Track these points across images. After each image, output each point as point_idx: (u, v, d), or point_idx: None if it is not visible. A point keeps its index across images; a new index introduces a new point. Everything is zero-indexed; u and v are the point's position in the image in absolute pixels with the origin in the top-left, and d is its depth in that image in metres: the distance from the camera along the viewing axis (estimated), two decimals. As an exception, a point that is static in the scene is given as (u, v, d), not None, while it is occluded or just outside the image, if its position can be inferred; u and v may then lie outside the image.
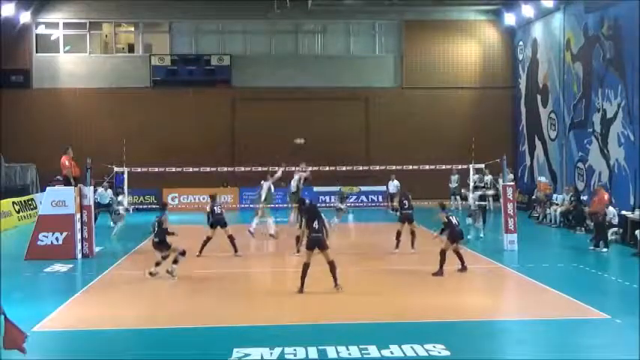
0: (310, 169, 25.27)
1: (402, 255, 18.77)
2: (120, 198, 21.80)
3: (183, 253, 14.36)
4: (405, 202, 18.08)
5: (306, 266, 13.16)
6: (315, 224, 13.20)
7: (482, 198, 25.09)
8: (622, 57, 22.76)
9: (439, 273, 14.90)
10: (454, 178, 29.83)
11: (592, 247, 18.71)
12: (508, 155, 23.47)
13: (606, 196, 18.95)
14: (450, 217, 15.48)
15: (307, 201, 15.47)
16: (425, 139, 32.05)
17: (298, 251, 16.39)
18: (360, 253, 18.67)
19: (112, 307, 12.55)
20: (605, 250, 18.43)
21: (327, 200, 31.36)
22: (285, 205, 23.55)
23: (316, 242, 13.15)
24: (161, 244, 14.55)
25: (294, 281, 13.34)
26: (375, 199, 30.42)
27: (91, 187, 18.94)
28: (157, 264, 14.70)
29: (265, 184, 20.41)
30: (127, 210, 21.50)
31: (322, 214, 13.63)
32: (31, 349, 9.91)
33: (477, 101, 33.22)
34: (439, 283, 14.54)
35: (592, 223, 20.05)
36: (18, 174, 29.83)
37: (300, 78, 32.64)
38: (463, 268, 15.21)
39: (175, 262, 14.26)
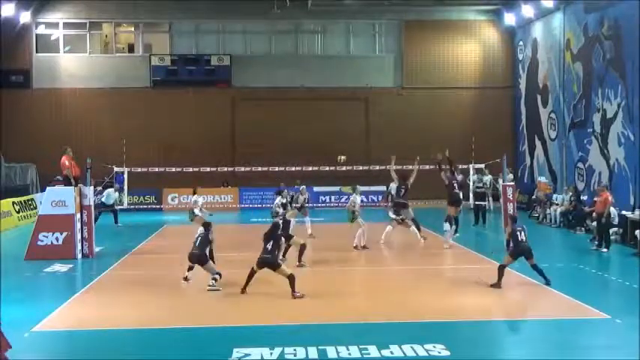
0: (310, 169, 25.35)
1: (402, 256, 18.79)
2: (195, 197, 21.02)
3: (219, 275, 13.95)
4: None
5: (251, 272, 13.25)
6: (269, 245, 13.17)
7: (482, 198, 25.17)
8: (622, 57, 22.75)
9: (497, 285, 13.87)
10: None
11: (595, 247, 18.72)
12: (508, 155, 23.46)
13: (610, 197, 18.95)
14: (518, 232, 14.10)
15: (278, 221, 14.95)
16: (425, 139, 32.00)
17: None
18: (360, 253, 18.67)
19: (112, 307, 12.53)
20: (605, 250, 18.44)
21: (327, 200, 31.49)
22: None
23: (265, 262, 13.15)
24: (198, 257, 14.13)
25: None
26: (375, 199, 30.37)
27: (91, 187, 18.93)
28: (217, 276, 14.14)
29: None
30: (201, 210, 20.71)
31: (279, 238, 13.49)
32: (31, 349, 9.96)
33: (477, 101, 33.21)
34: (439, 284, 14.54)
35: (593, 224, 20.05)
36: (18, 174, 29.79)
37: (300, 78, 32.62)
38: (547, 282, 13.90)
39: (214, 279, 13.94)
